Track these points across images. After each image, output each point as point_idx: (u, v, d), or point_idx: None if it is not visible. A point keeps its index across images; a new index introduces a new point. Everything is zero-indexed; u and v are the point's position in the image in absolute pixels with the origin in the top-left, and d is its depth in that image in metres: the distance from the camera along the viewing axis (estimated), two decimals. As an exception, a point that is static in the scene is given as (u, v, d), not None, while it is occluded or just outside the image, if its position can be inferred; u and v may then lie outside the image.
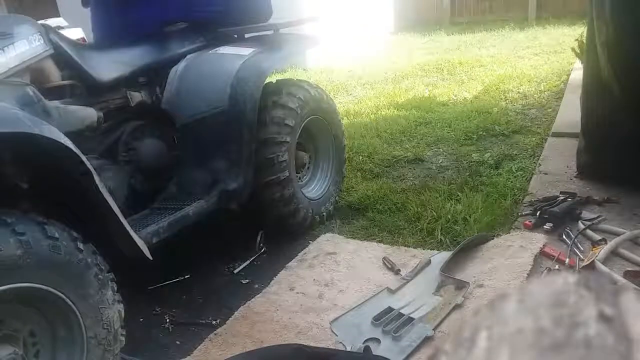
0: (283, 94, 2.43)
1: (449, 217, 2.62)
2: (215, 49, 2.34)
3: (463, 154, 3.54)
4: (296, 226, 2.58)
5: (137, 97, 2.14)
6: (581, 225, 2.25)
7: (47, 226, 1.37)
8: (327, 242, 2.54)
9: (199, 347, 1.89)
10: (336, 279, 2.23)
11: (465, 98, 4.94)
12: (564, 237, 2.21)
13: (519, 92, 4.85)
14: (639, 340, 0.24)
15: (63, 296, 1.40)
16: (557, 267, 2.02)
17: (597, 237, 2.16)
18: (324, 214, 2.76)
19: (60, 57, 1.88)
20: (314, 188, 2.78)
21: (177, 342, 1.99)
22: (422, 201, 2.83)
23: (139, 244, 1.68)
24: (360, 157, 3.62)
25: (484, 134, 3.84)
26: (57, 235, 1.37)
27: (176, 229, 2.01)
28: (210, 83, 2.21)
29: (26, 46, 1.72)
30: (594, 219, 2.30)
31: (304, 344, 1.79)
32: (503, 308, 0.28)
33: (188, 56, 2.28)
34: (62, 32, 3.81)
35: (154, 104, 2.22)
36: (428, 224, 2.61)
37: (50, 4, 9.12)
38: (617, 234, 2.14)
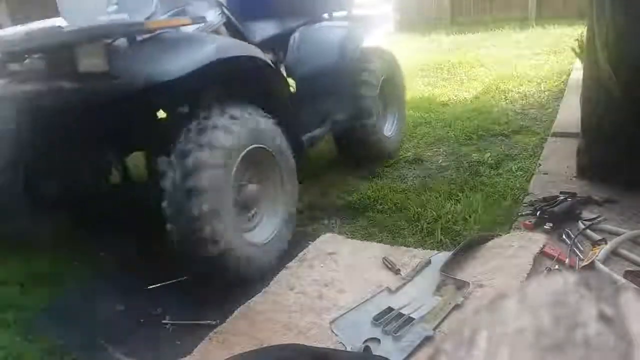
0: (368, 59, 3.35)
1: (449, 217, 2.62)
2: (320, 24, 3.16)
3: (463, 154, 3.54)
4: (375, 153, 3.49)
5: (269, 56, 2.71)
6: (581, 225, 2.25)
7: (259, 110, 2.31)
8: (327, 242, 2.54)
9: (199, 347, 1.88)
10: (336, 279, 2.23)
11: (465, 98, 4.94)
12: (564, 237, 2.20)
13: (519, 92, 4.85)
14: (639, 340, 0.24)
15: (273, 153, 2.36)
16: (557, 267, 2.01)
17: (597, 237, 2.16)
18: (395, 149, 3.72)
19: (229, 24, 2.61)
20: (389, 127, 3.71)
21: (177, 342, 1.99)
22: (422, 201, 2.83)
23: (302, 136, 2.77)
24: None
25: (484, 134, 3.84)
26: (263, 115, 2.30)
27: (312, 142, 2.94)
28: (321, 47, 3.04)
29: (215, 15, 2.52)
30: (594, 219, 2.30)
31: (304, 344, 1.79)
32: (503, 308, 0.28)
33: (300, 28, 2.98)
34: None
35: (279, 63, 2.88)
36: (428, 224, 2.61)
37: (50, 4, 9.12)
38: (617, 234, 2.14)
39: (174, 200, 2.00)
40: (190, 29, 2.25)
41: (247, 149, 2.18)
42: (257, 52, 2.37)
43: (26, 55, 2.15)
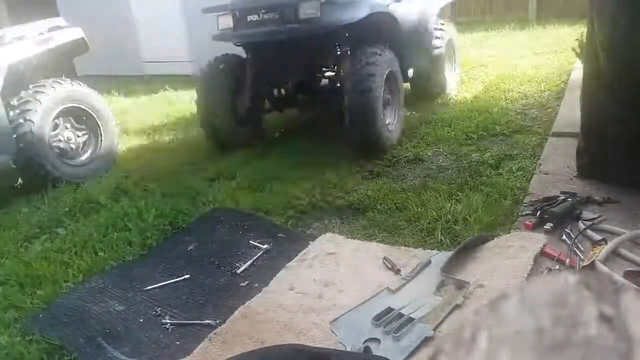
0: (439, 25, 4.80)
1: (449, 217, 2.62)
2: (402, 2, 4.14)
3: (463, 153, 3.54)
4: (439, 88, 4.96)
5: None
6: (581, 225, 2.25)
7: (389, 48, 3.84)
8: (327, 242, 2.54)
9: (199, 347, 1.88)
10: (336, 279, 2.23)
11: (465, 98, 4.94)
12: (564, 237, 2.20)
13: (519, 91, 4.85)
14: (639, 340, 0.24)
15: (396, 75, 3.89)
16: (557, 267, 2.01)
17: (597, 237, 2.16)
18: (452, 88, 5.20)
19: None
20: (450, 72, 5.13)
21: (177, 342, 1.99)
22: (422, 201, 2.83)
23: (406, 70, 4.25)
24: (361, 157, 3.62)
25: (484, 133, 3.84)
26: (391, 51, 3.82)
27: (407, 76, 4.34)
28: (410, 16, 4.27)
29: None
30: (594, 219, 2.30)
31: (304, 344, 1.79)
32: (503, 308, 0.28)
33: (390, 5, 3.93)
34: (62, 31, 3.78)
35: None
36: (428, 224, 2.60)
37: (50, 4, 9.11)
38: (617, 234, 2.14)
39: (352, 100, 3.51)
40: None
41: (386, 72, 3.66)
42: (389, 9, 3.88)
43: (261, 10, 3.63)
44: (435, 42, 4.70)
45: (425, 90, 4.88)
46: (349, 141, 3.66)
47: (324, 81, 4.55)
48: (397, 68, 3.91)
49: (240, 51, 4.28)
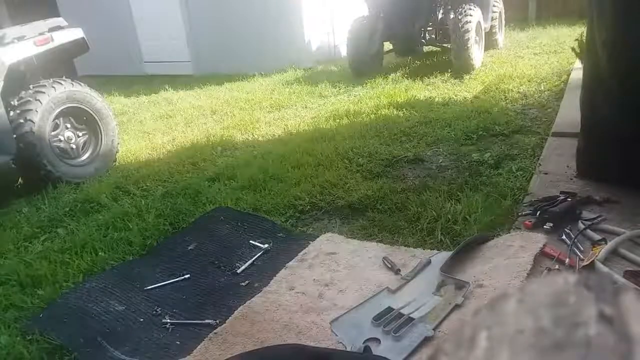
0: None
1: (449, 217, 2.62)
2: None
3: (463, 153, 3.54)
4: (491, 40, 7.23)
5: None
6: (581, 225, 2.25)
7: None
8: (327, 242, 2.54)
9: (199, 347, 1.88)
10: (336, 279, 2.23)
11: (465, 98, 4.94)
12: (564, 237, 2.20)
13: (519, 91, 4.85)
14: (639, 340, 0.24)
15: (482, 23, 6.52)
16: (557, 267, 2.01)
17: (597, 237, 2.16)
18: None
19: None
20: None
21: (177, 342, 1.99)
22: (422, 201, 2.83)
23: None
24: (360, 157, 3.62)
25: (484, 133, 3.84)
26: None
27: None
28: None
29: None
30: (594, 219, 2.30)
31: (304, 344, 1.79)
32: (503, 308, 0.28)
33: None
34: (62, 31, 3.79)
35: None
36: (428, 224, 2.60)
37: (50, 4, 9.11)
38: (617, 234, 2.14)
39: (455, 38, 5.81)
40: None
41: (477, 21, 5.95)
42: None
43: None
44: (496, 7, 7.08)
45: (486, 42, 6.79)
46: (454, 65, 5.95)
47: (426, 34, 6.76)
48: (482, 19, 6.19)
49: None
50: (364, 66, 6.44)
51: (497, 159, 3.32)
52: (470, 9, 5.87)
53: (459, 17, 5.78)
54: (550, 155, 3.17)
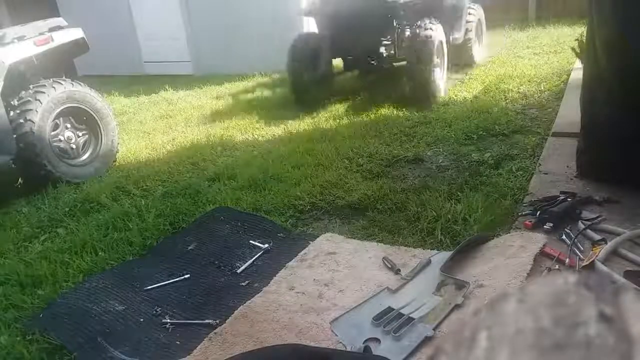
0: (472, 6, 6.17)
1: (449, 217, 2.62)
2: None
3: (463, 153, 3.54)
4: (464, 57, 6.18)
5: None
6: (581, 225, 2.25)
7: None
8: (327, 242, 2.54)
9: (199, 347, 1.88)
10: (336, 279, 2.23)
11: (465, 98, 4.94)
12: (564, 237, 2.20)
13: (519, 91, 4.85)
14: (639, 340, 0.24)
15: (448, 40, 5.45)
16: (557, 267, 2.01)
17: (597, 237, 2.16)
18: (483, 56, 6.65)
19: None
20: (477, 45, 6.49)
21: (177, 342, 1.99)
22: (422, 201, 2.83)
23: (449, 37, 5.63)
24: (360, 157, 3.62)
25: (484, 133, 3.84)
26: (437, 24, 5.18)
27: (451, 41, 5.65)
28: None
29: None
30: (594, 219, 2.30)
31: (304, 344, 1.79)
32: (503, 308, 0.28)
33: None
34: (62, 31, 3.79)
35: None
36: (428, 223, 2.60)
37: (50, 4, 9.11)
38: (617, 234, 2.14)
39: (410, 62, 4.87)
40: None
41: (438, 40, 4.91)
42: None
43: None
44: (470, 19, 6.07)
45: (458, 59, 6.08)
46: (409, 92, 5.00)
47: (382, 49, 5.47)
48: (444, 37, 5.17)
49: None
50: (306, 94, 5.39)
51: (497, 159, 3.32)
52: (426, 28, 4.78)
53: (417, 31, 4.80)
54: (550, 155, 3.17)
